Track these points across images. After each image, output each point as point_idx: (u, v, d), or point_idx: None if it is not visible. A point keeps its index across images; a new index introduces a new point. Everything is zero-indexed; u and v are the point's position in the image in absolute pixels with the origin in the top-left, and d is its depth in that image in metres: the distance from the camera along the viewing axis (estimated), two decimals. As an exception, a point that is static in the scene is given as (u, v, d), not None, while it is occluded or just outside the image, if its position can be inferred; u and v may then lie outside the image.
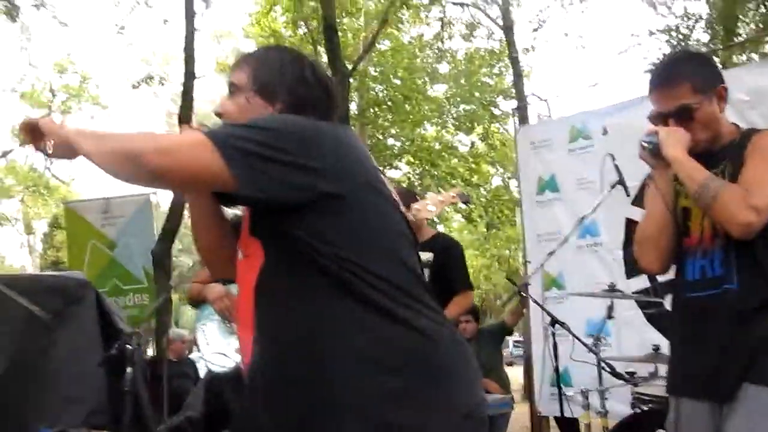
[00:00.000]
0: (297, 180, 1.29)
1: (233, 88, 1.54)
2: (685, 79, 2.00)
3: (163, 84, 14.71)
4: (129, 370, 3.36)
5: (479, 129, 18.36)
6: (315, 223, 1.31)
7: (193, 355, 6.85)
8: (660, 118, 2.10)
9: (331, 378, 1.27)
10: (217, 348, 2.90)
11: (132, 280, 7.15)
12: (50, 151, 1.42)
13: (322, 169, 1.31)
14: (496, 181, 20.64)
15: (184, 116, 8.59)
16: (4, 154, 19.16)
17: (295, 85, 1.50)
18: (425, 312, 1.36)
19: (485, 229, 20.06)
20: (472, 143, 18.77)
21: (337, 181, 1.33)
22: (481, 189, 18.74)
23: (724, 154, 2.00)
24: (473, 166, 18.33)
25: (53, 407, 3.56)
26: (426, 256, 3.38)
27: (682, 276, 2.06)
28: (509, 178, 19.14)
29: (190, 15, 8.98)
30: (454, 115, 18.50)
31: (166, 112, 32.28)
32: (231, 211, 1.70)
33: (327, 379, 1.27)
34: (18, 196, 26.78)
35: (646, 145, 2.13)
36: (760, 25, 10.58)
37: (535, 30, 13.52)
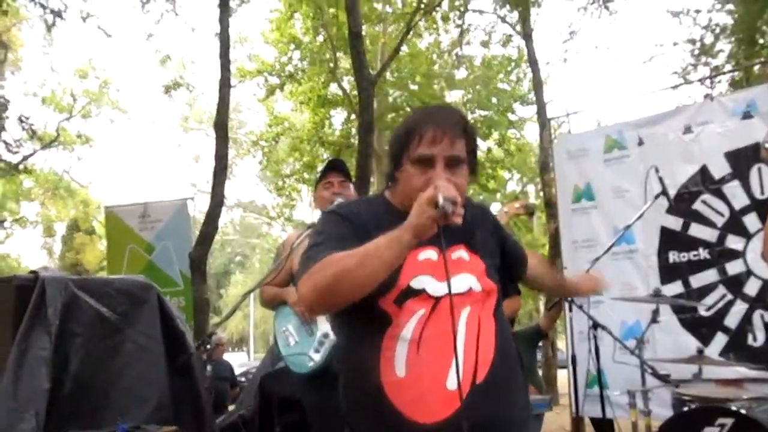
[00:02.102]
0: None
1: (457, 161, 1.60)
2: None
3: (190, 90, 14.89)
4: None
5: (496, 135, 18.49)
6: None
7: (228, 356, 7.01)
8: None
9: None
10: (297, 349, 3.02)
11: (169, 282, 7.34)
12: None
13: None
14: (512, 187, 20.77)
15: (221, 123, 8.78)
16: (25, 158, 19.39)
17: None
18: None
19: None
20: (489, 149, 18.91)
21: None
22: (498, 194, 18.87)
23: None
24: (490, 171, 18.46)
25: (121, 403, 3.72)
26: None
27: None
28: (526, 184, 19.27)
29: (224, 25, 9.17)
30: (471, 121, 18.62)
31: (180, 116, 32.75)
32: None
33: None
34: (38, 199, 27.09)
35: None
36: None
37: (565, 41, 13.57)
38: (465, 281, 1.62)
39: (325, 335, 2.94)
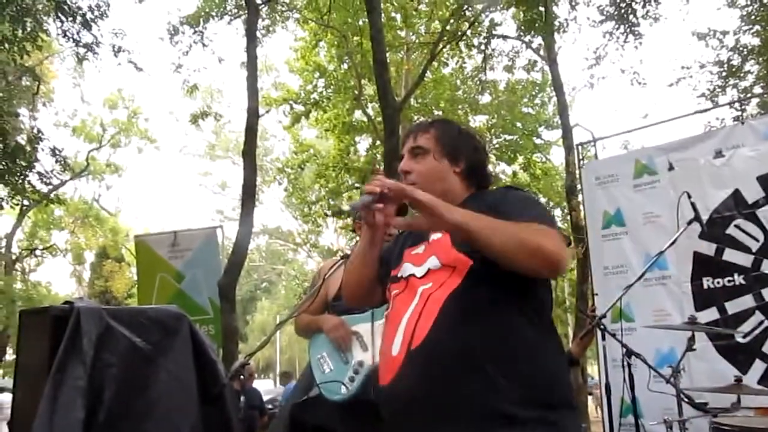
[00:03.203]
0: None
1: (419, 151, 1.87)
2: None
3: (218, 120, 15.10)
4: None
5: (521, 159, 18.46)
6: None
7: (257, 384, 7.01)
8: None
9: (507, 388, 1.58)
10: (331, 376, 3.02)
11: (198, 311, 7.38)
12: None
13: None
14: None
15: (249, 151, 8.87)
16: (56, 188, 19.75)
17: (471, 151, 1.88)
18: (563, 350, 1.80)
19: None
20: (514, 173, 18.86)
21: None
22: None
23: None
24: (516, 196, 18.36)
25: (153, 434, 3.71)
26: None
27: None
28: (552, 208, 19.16)
29: (251, 57, 9.31)
30: (496, 145, 18.63)
31: (207, 144, 33.20)
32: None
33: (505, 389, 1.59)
34: (68, 227, 27.53)
35: None
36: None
37: (590, 67, 13.58)
38: (427, 264, 1.77)
39: (360, 363, 2.94)
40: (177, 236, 7.69)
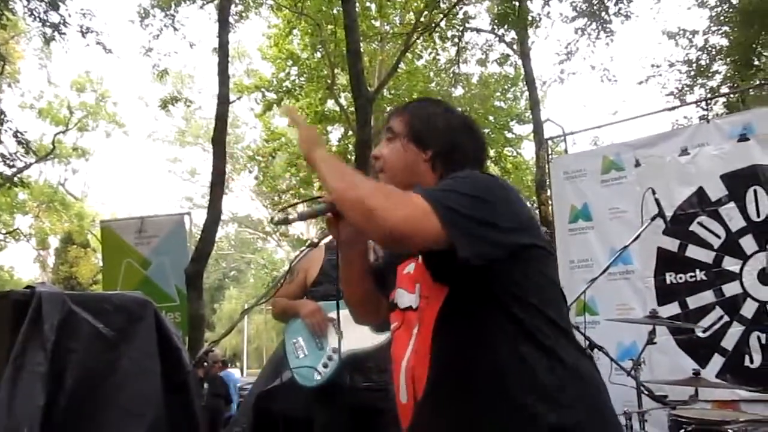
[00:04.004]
0: (505, 242, 1.42)
1: (390, 134, 1.69)
2: None
3: (188, 105, 14.93)
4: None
5: (492, 152, 18.56)
6: (509, 272, 1.44)
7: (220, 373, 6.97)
8: None
9: (514, 412, 1.39)
10: (306, 362, 3.03)
11: (165, 298, 7.30)
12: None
13: (518, 224, 1.46)
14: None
15: (219, 139, 8.79)
16: (20, 171, 19.36)
17: (445, 134, 1.65)
18: (580, 353, 1.51)
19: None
20: (486, 166, 18.95)
21: (527, 231, 1.48)
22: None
23: None
24: (486, 188, 18.47)
25: (117, 421, 3.70)
26: None
27: None
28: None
29: (223, 41, 9.20)
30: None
31: (176, 130, 32.79)
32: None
33: (512, 413, 1.40)
34: (32, 211, 27.02)
35: None
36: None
37: (561, 63, 13.66)
38: (416, 294, 1.61)
39: (334, 350, 2.95)
40: (144, 222, 7.59)
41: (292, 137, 20.20)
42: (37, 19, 12.18)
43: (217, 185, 8.88)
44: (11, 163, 14.15)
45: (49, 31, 12.22)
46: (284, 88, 17.37)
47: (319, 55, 16.97)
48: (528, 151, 19.35)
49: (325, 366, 2.98)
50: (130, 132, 40.29)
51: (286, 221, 1.65)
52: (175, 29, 13.39)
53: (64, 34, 12.17)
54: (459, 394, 1.46)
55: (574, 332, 1.57)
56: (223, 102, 9.11)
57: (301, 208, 1.67)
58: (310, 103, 17.48)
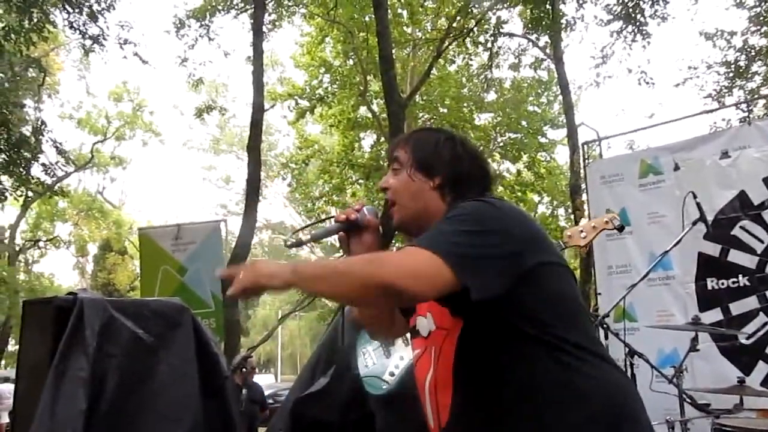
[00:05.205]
0: (511, 269, 1.43)
1: (397, 164, 1.71)
2: None
3: (223, 114, 15.12)
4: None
5: (525, 157, 18.44)
6: (519, 295, 1.44)
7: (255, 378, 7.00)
8: None
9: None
10: (374, 371, 3.07)
11: (201, 304, 7.35)
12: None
13: (524, 249, 1.46)
14: (541, 210, 20.65)
15: (254, 146, 8.87)
16: (60, 179, 19.78)
17: (451, 161, 1.66)
18: (605, 365, 1.50)
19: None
20: (519, 171, 18.84)
21: (532, 251, 1.48)
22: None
23: None
24: (519, 194, 18.40)
25: (155, 425, 3.74)
26: None
27: None
28: (556, 207, 19.15)
29: (258, 51, 9.30)
30: (501, 143, 18.63)
31: (211, 138, 33.19)
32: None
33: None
34: (71, 219, 27.58)
35: None
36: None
37: (597, 66, 13.50)
38: (429, 321, 1.63)
39: (402, 358, 2.97)
40: (180, 229, 7.67)
41: (325, 144, 20.32)
42: (77, 31, 12.47)
43: (252, 191, 8.97)
44: (52, 173, 14.45)
45: (88, 42, 12.51)
46: (317, 96, 17.49)
47: (351, 62, 17.07)
48: (562, 155, 19.18)
49: (392, 374, 3.02)
50: (166, 141, 40.98)
51: (300, 243, 1.66)
52: (210, 39, 13.57)
53: (103, 45, 12.45)
54: (486, 421, 1.47)
55: (597, 343, 1.56)
56: (258, 110, 9.19)
57: (314, 229, 1.70)
58: (342, 110, 17.57)
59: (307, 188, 21.21)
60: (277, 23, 15.72)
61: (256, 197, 9.00)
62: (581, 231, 2.85)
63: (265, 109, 9.37)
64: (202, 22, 13.83)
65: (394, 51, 15.76)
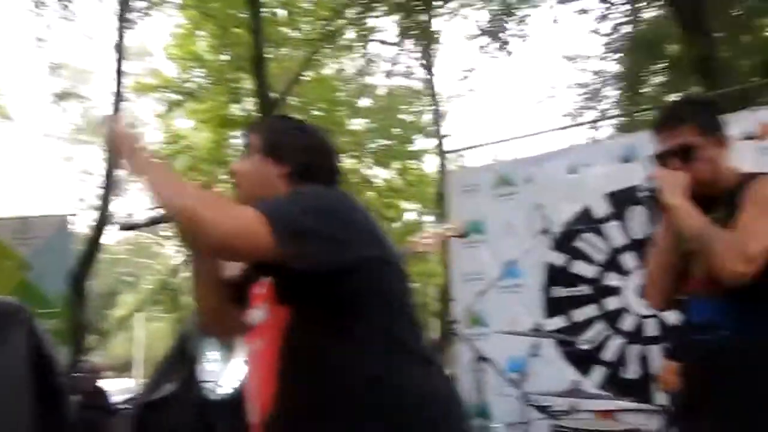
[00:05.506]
0: (338, 254, 1.43)
1: (248, 149, 1.71)
2: (689, 120, 2.01)
3: (83, 102, 14.29)
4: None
5: (396, 164, 18.76)
6: (346, 287, 1.45)
7: (111, 382, 6.66)
8: (661, 158, 2.07)
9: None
10: (216, 376, 2.98)
11: (46, 303, 6.87)
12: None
13: (357, 239, 1.47)
14: (409, 216, 21.10)
15: (111, 138, 8.41)
16: None
17: (302, 151, 1.67)
18: (429, 366, 1.52)
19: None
20: (389, 178, 19.13)
21: (366, 246, 1.49)
22: (396, 224, 19.10)
23: (722, 199, 2.00)
24: (388, 200, 18.68)
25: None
26: None
27: (687, 318, 2.10)
28: (424, 214, 19.62)
29: (120, 40, 8.88)
30: (373, 150, 18.84)
31: (72, 128, 31.30)
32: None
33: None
34: None
35: (646, 192, 2.08)
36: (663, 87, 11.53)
37: (463, 79, 14.02)
38: (258, 316, 1.62)
39: (242, 361, 2.92)
40: (26, 222, 7.14)
41: (194, 140, 19.70)
42: None
43: (112, 185, 8.54)
44: None
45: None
46: (187, 90, 16.92)
47: (224, 57, 16.66)
48: (431, 164, 19.69)
49: (233, 379, 2.96)
50: (20, 127, 38.13)
51: (133, 227, 1.61)
52: (70, 20, 12.80)
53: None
54: (302, 416, 1.46)
55: (423, 344, 1.57)
56: (119, 99, 8.78)
57: (150, 213, 1.61)
58: (214, 106, 17.12)
59: (174, 185, 20.47)
60: (147, 11, 15.08)
61: (114, 191, 8.57)
62: (425, 237, 2.95)
63: (131, 100, 8.97)
64: (62, 1, 12.99)
65: (271, 50, 15.58)
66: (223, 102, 17.13)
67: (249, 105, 16.83)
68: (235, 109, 17.59)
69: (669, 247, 2.08)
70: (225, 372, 2.98)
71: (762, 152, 4.36)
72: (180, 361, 3.41)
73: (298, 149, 1.66)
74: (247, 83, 16.04)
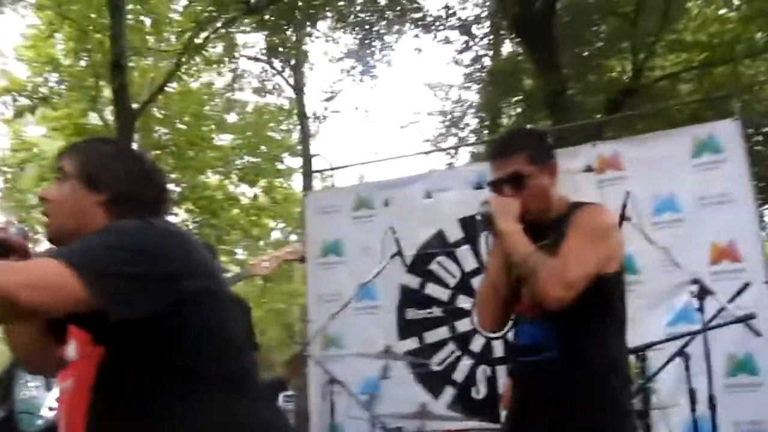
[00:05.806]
0: (161, 293, 1.33)
1: (61, 174, 1.55)
2: (521, 150, 2.12)
3: None
4: None
5: (263, 182, 18.52)
6: (167, 323, 1.35)
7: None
8: (495, 185, 2.17)
9: None
10: (31, 406, 2.73)
11: None
12: None
13: (182, 273, 1.37)
14: (275, 235, 20.89)
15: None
16: None
17: (121, 179, 1.54)
18: (257, 403, 1.46)
19: (262, 282, 20.05)
20: (255, 196, 18.85)
21: (194, 279, 1.39)
22: (261, 242, 18.83)
23: (551, 227, 2.10)
24: (254, 218, 18.37)
25: None
26: None
27: (517, 340, 2.20)
28: (290, 233, 19.48)
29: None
30: (239, 166, 18.50)
31: None
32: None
33: None
34: None
35: (480, 216, 2.15)
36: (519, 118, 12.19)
37: (327, 100, 14.14)
38: (73, 351, 1.55)
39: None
40: None
41: (45, 149, 18.50)
42: None
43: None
44: None
45: None
46: (40, 95, 15.87)
47: (83, 63, 15.81)
48: (298, 183, 19.63)
49: (51, 409, 2.74)
50: None
51: None
52: None
53: None
54: None
55: (252, 379, 1.51)
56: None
57: None
58: (69, 114, 16.18)
59: (21, 195, 19.08)
60: (-2, 10, 14.05)
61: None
62: (264, 260, 2.92)
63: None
64: None
65: (134, 59, 14.94)
66: (79, 109, 16.24)
67: (108, 114, 16.07)
68: (93, 118, 16.73)
69: (499, 270, 2.18)
70: (45, 402, 2.77)
71: (600, 184, 4.68)
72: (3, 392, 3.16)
73: (117, 176, 1.53)
74: (108, 91, 15.31)
